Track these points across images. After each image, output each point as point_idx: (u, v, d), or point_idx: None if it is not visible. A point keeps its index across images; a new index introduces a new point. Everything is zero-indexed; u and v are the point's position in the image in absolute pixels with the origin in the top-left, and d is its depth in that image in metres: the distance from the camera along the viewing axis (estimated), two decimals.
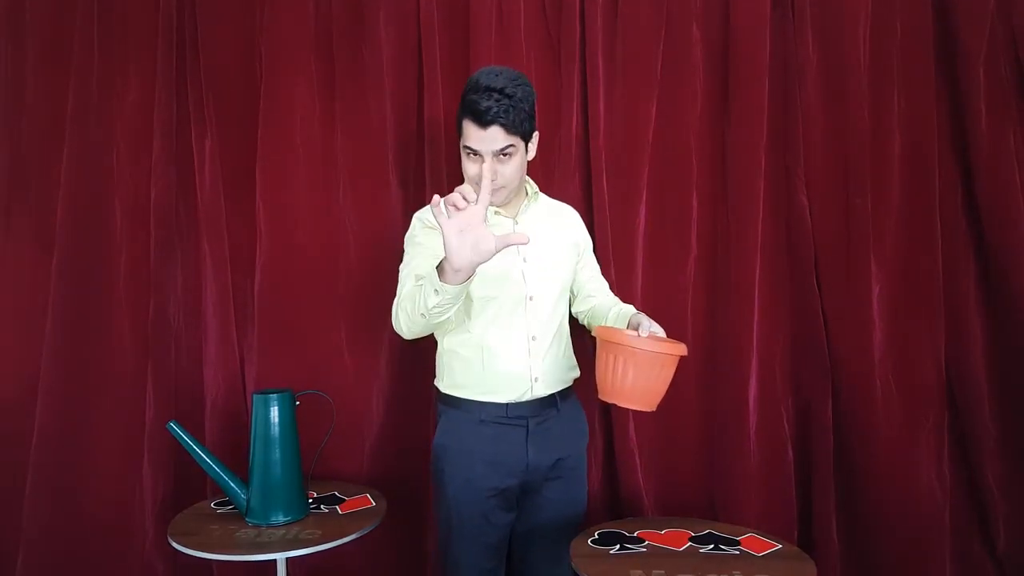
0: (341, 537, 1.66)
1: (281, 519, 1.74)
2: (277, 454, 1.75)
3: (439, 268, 1.42)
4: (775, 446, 2.06)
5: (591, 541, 1.62)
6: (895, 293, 2.03)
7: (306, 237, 2.13)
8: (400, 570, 2.15)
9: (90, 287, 2.15)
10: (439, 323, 1.54)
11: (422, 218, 1.74)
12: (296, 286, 2.13)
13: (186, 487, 2.12)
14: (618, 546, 1.59)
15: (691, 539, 1.64)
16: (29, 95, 2.19)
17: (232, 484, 1.78)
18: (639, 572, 1.46)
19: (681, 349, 1.53)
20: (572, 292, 1.86)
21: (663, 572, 1.46)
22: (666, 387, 1.53)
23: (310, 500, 1.86)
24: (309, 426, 1.88)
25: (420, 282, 1.52)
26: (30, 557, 2.11)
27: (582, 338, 1.88)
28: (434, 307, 1.45)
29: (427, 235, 1.70)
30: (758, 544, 1.62)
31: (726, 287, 2.06)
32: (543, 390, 1.71)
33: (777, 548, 1.60)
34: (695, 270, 2.09)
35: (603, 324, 1.78)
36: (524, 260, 1.69)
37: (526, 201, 1.75)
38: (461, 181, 1.84)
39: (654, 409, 1.53)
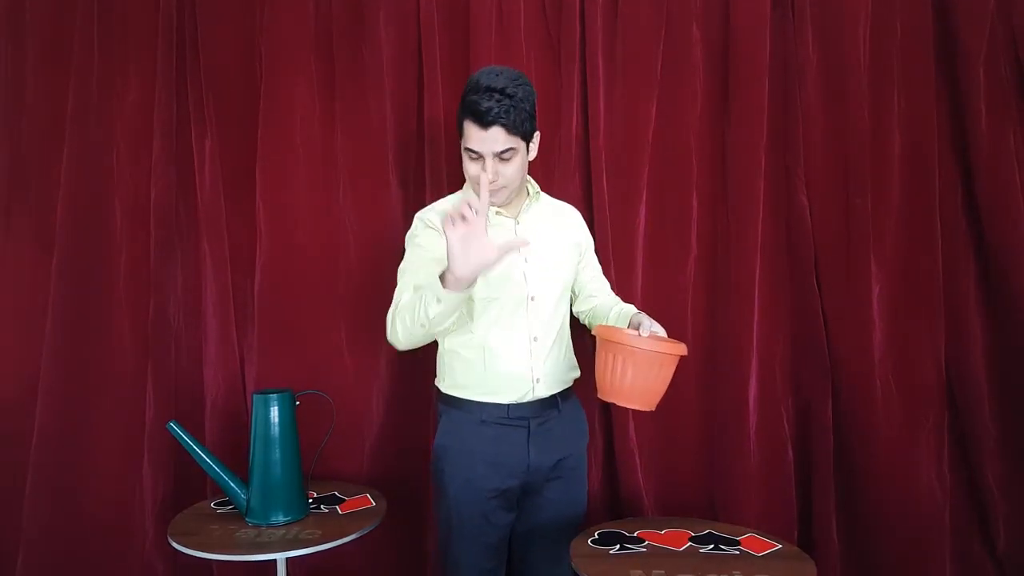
0: (341, 537, 1.66)
1: (281, 519, 1.74)
2: (277, 454, 1.75)
3: (441, 277, 1.45)
4: (775, 446, 2.06)
5: (591, 541, 1.62)
6: (895, 293, 2.03)
7: (306, 237, 2.13)
8: (400, 570, 2.15)
9: (90, 287, 2.15)
10: (439, 331, 1.56)
11: (423, 218, 1.74)
12: (296, 286, 2.13)
13: (186, 487, 2.12)
14: (618, 546, 1.59)
15: (691, 539, 1.64)
16: (29, 95, 2.19)
17: (232, 484, 1.78)
18: (639, 572, 1.46)
19: (681, 349, 1.53)
20: (573, 292, 1.86)
21: (663, 572, 1.46)
22: (665, 387, 1.53)
23: (310, 500, 1.86)
24: (309, 426, 1.88)
25: (419, 293, 1.53)
26: (30, 557, 2.11)
27: (582, 338, 1.88)
28: (435, 316, 1.48)
29: (428, 235, 1.70)
30: (758, 544, 1.62)
31: (726, 287, 2.06)
32: (544, 391, 1.71)
33: (777, 548, 1.60)
34: (695, 270, 2.09)
35: (603, 324, 1.78)
36: (525, 260, 1.69)
37: (527, 201, 1.75)
38: (461, 181, 1.84)
39: (653, 409, 1.54)
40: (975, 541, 2.04)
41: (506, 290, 1.67)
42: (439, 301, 1.45)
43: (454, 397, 1.74)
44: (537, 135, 1.67)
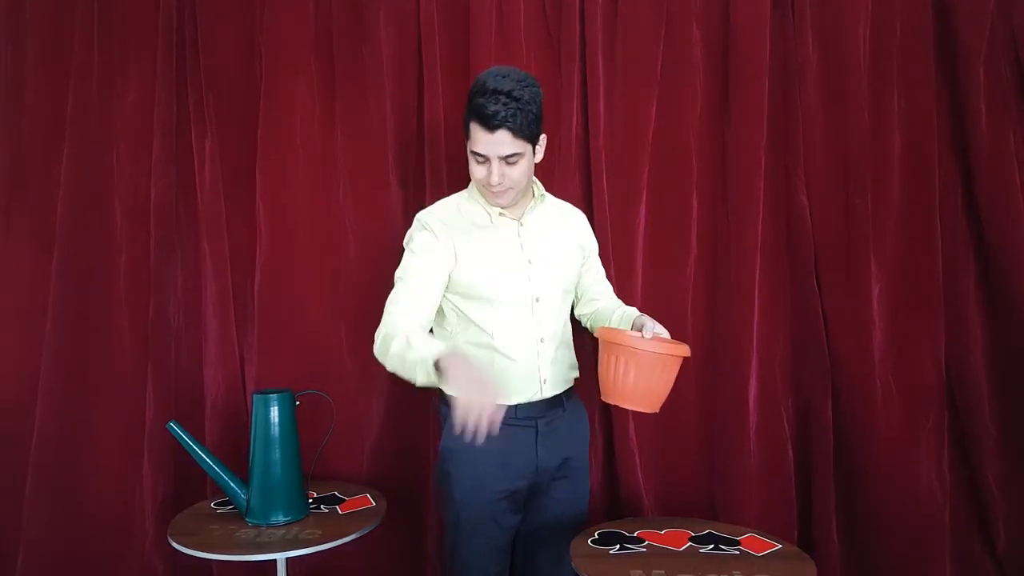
0: (341, 537, 1.67)
1: (281, 519, 1.74)
2: (277, 454, 1.75)
3: (437, 363, 1.37)
4: (775, 446, 2.06)
5: (591, 541, 1.62)
6: (895, 293, 2.03)
7: (306, 237, 2.13)
8: (400, 570, 2.15)
9: (90, 287, 2.15)
10: None
11: (422, 220, 1.73)
12: (296, 286, 2.13)
13: (186, 487, 2.12)
14: (618, 546, 1.59)
15: (691, 539, 1.64)
16: (29, 95, 2.19)
17: (232, 484, 1.78)
18: (639, 572, 1.46)
19: (683, 350, 1.52)
20: (576, 295, 1.86)
21: (663, 572, 1.46)
22: (669, 388, 1.53)
23: (310, 500, 1.86)
24: (309, 426, 1.88)
25: (411, 352, 1.45)
26: (30, 557, 2.11)
27: (581, 336, 1.88)
28: (421, 383, 1.44)
29: (422, 239, 1.68)
30: (758, 544, 1.62)
31: (726, 287, 2.06)
32: (551, 391, 1.72)
33: (777, 548, 1.60)
34: (695, 270, 2.09)
35: (606, 326, 1.78)
36: (529, 262, 1.69)
37: (532, 203, 1.74)
38: (461, 181, 1.85)
39: (657, 411, 1.53)
40: (975, 541, 2.04)
41: (511, 292, 1.67)
42: (428, 376, 1.40)
43: None
44: (544, 137, 1.66)
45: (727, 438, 2.05)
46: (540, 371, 1.70)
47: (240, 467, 1.82)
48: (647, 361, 1.48)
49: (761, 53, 2.03)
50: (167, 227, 2.15)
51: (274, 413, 1.76)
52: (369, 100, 2.12)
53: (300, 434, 1.81)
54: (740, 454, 2.03)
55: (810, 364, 2.06)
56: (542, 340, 1.70)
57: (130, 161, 2.17)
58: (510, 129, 1.54)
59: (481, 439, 1.31)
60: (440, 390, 1.75)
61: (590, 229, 1.88)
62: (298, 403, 1.81)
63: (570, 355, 1.80)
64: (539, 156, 1.67)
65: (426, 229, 1.70)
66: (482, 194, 1.69)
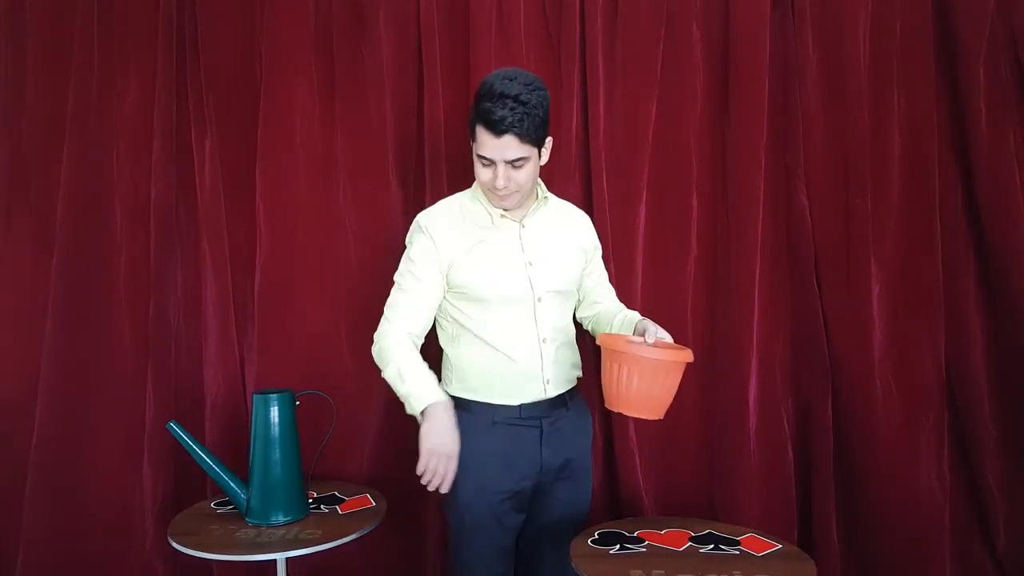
0: (341, 537, 1.67)
1: (281, 519, 1.74)
2: (277, 454, 1.75)
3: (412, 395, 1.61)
4: (775, 446, 2.06)
5: (591, 541, 1.62)
6: (895, 293, 2.03)
7: (306, 237, 2.13)
8: (400, 570, 2.15)
9: (90, 287, 2.15)
10: None
11: (421, 223, 1.73)
12: (296, 286, 2.13)
13: (186, 487, 2.12)
14: (618, 546, 1.59)
15: (691, 539, 1.64)
16: (29, 95, 2.19)
17: (232, 484, 1.78)
18: (639, 572, 1.46)
19: (686, 356, 1.51)
20: (578, 297, 1.86)
21: (663, 572, 1.46)
22: (673, 394, 1.52)
23: (310, 500, 1.86)
24: (309, 426, 1.88)
25: (400, 377, 1.64)
26: (30, 557, 2.11)
27: (582, 336, 1.88)
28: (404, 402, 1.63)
29: (418, 246, 1.70)
30: (758, 544, 1.62)
31: (726, 287, 2.06)
32: (554, 390, 1.72)
33: (777, 548, 1.60)
34: (695, 270, 2.09)
35: (607, 331, 1.78)
36: (530, 264, 1.69)
37: (535, 205, 1.73)
38: (461, 181, 1.85)
39: (662, 417, 1.52)
40: (975, 541, 2.04)
41: (511, 293, 1.67)
42: (412, 412, 1.61)
43: (464, 400, 1.72)
44: (549, 139, 1.66)
45: (727, 438, 2.05)
46: (543, 371, 1.70)
47: (240, 467, 1.82)
48: (650, 368, 1.47)
49: (761, 53, 2.02)
50: (167, 227, 2.15)
51: (274, 413, 1.76)
52: (369, 100, 2.12)
53: (300, 434, 1.81)
54: (740, 454, 2.03)
55: (810, 364, 2.06)
56: (544, 340, 1.70)
57: (130, 161, 2.17)
58: (517, 134, 1.54)
59: (437, 486, 1.56)
60: (444, 391, 1.77)
61: (594, 232, 1.87)
62: (298, 403, 1.81)
63: (573, 355, 1.80)
64: (544, 158, 1.67)
65: (424, 233, 1.70)
66: (487, 196, 1.69)
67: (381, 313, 1.78)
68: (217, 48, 2.14)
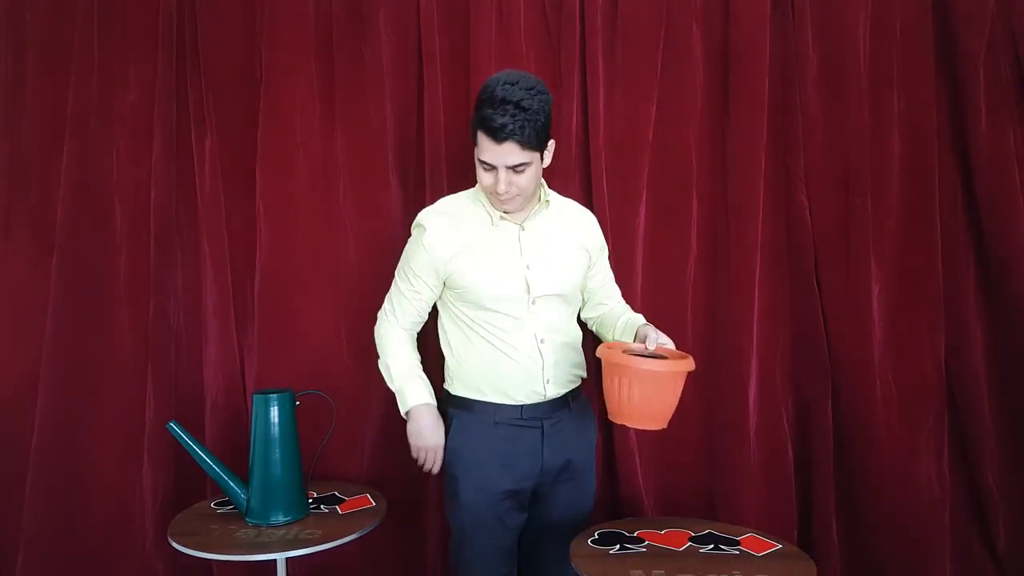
0: (341, 537, 1.67)
1: (281, 519, 1.74)
2: (277, 454, 1.75)
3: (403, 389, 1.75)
4: (775, 446, 2.06)
5: (591, 541, 1.62)
6: (895, 293, 2.03)
7: (306, 237, 2.13)
8: (400, 570, 2.15)
9: (90, 287, 2.15)
10: None
11: (420, 221, 1.75)
12: (296, 286, 2.13)
13: (186, 487, 2.12)
14: (618, 546, 1.59)
15: (691, 539, 1.64)
16: (29, 95, 2.19)
17: (232, 484, 1.78)
18: (639, 572, 1.46)
19: (687, 365, 1.50)
20: (583, 297, 1.85)
21: (663, 572, 1.46)
22: (675, 403, 1.50)
23: (310, 500, 1.86)
24: (309, 426, 1.88)
25: (393, 368, 1.79)
26: (30, 557, 2.11)
27: (588, 337, 1.88)
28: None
29: (417, 243, 1.73)
30: (758, 544, 1.62)
31: (726, 287, 2.06)
32: (555, 391, 1.72)
33: (777, 548, 1.60)
34: (695, 270, 2.09)
35: (611, 334, 1.79)
36: (527, 267, 1.69)
37: (536, 208, 1.73)
38: (461, 181, 1.85)
39: (665, 426, 1.51)
40: (975, 541, 2.04)
41: (507, 295, 1.67)
42: (395, 391, 1.77)
43: (466, 399, 1.74)
44: (552, 143, 1.66)
45: (727, 438, 2.05)
46: (543, 371, 1.70)
47: (240, 467, 1.82)
48: (650, 380, 1.45)
49: (761, 53, 2.02)
50: (167, 227, 2.15)
51: (274, 413, 1.76)
52: (369, 100, 2.12)
53: (300, 434, 1.81)
54: (740, 454, 2.03)
55: (810, 364, 2.06)
56: (543, 341, 1.70)
57: (130, 161, 2.17)
58: (518, 141, 1.54)
59: (429, 468, 1.74)
60: (446, 390, 1.81)
61: (599, 232, 1.86)
62: (298, 403, 1.81)
63: (576, 355, 1.79)
64: (547, 161, 1.67)
65: (422, 232, 1.72)
66: (489, 199, 1.69)
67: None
68: (217, 48, 2.14)
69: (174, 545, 1.66)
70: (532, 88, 1.56)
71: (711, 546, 1.60)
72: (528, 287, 1.68)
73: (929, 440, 2.01)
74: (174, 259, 2.17)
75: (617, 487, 2.07)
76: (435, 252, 1.70)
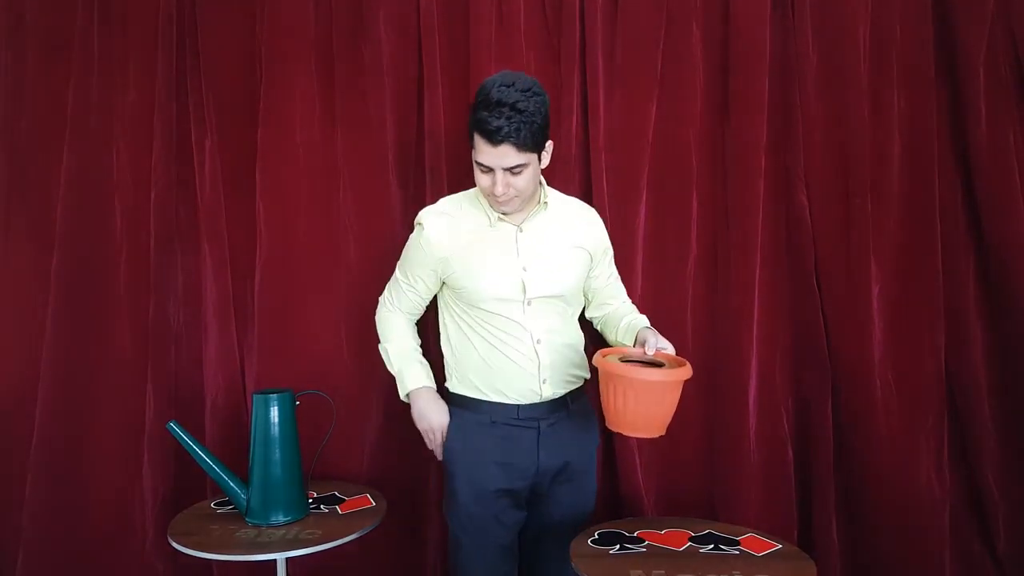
0: (341, 537, 1.67)
1: (281, 519, 1.74)
2: (277, 454, 1.75)
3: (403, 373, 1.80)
4: (775, 446, 2.06)
5: (591, 541, 1.62)
6: (895, 293, 2.03)
7: (306, 237, 2.13)
8: (400, 570, 2.15)
9: (90, 287, 2.15)
10: None
11: (419, 219, 1.76)
12: (296, 286, 2.13)
13: (186, 487, 2.12)
14: (618, 546, 1.59)
15: (691, 539, 1.64)
16: (29, 95, 2.19)
17: (232, 484, 1.78)
18: (639, 572, 1.46)
19: (683, 373, 1.48)
20: (586, 297, 1.85)
21: (663, 572, 1.47)
22: (672, 411, 1.49)
23: (310, 500, 1.86)
24: (309, 426, 1.88)
25: (393, 353, 1.84)
26: (30, 557, 2.11)
27: (591, 338, 1.88)
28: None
29: (415, 242, 1.74)
30: (758, 544, 1.62)
31: (726, 287, 2.06)
32: (552, 392, 1.71)
33: (777, 548, 1.60)
34: (695, 270, 2.09)
35: (614, 335, 1.78)
36: (524, 269, 1.69)
37: (535, 209, 1.72)
38: (461, 181, 1.85)
39: (663, 433, 1.50)
40: (975, 541, 2.04)
41: (503, 296, 1.67)
42: (395, 375, 1.81)
43: (465, 397, 1.75)
44: (550, 144, 1.66)
45: (727, 438, 2.05)
46: (540, 372, 1.70)
47: (240, 467, 1.82)
48: (644, 389, 1.44)
49: (761, 53, 2.02)
50: (167, 227, 2.15)
51: (274, 413, 1.76)
52: (369, 100, 2.12)
53: (300, 434, 1.81)
54: (740, 454, 2.03)
55: (810, 364, 2.06)
56: (539, 342, 1.69)
57: (130, 161, 2.17)
58: (514, 143, 1.53)
59: (438, 453, 1.78)
60: (446, 388, 1.82)
61: (601, 231, 1.85)
62: (298, 403, 1.81)
63: (575, 356, 1.78)
64: (545, 162, 1.66)
65: (421, 231, 1.73)
66: (487, 200, 1.69)
67: None
68: (217, 48, 2.14)
69: (174, 545, 1.66)
70: (528, 90, 1.55)
71: (711, 546, 1.60)
72: (524, 288, 1.68)
73: (929, 440, 2.01)
74: (174, 259, 2.17)
75: (617, 487, 2.07)
76: (433, 251, 1.71)
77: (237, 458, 1.90)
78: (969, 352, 2.01)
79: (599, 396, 1.57)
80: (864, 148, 2.03)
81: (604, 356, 1.55)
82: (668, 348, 1.58)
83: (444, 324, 1.80)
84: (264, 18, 2.13)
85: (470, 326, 1.72)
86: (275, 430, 1.76)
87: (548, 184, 1.80)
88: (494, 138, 1.53)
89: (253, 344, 2.14)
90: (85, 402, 2.14)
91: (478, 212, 1.72)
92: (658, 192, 2.09)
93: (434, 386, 1.80)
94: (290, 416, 1.78)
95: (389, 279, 1.89)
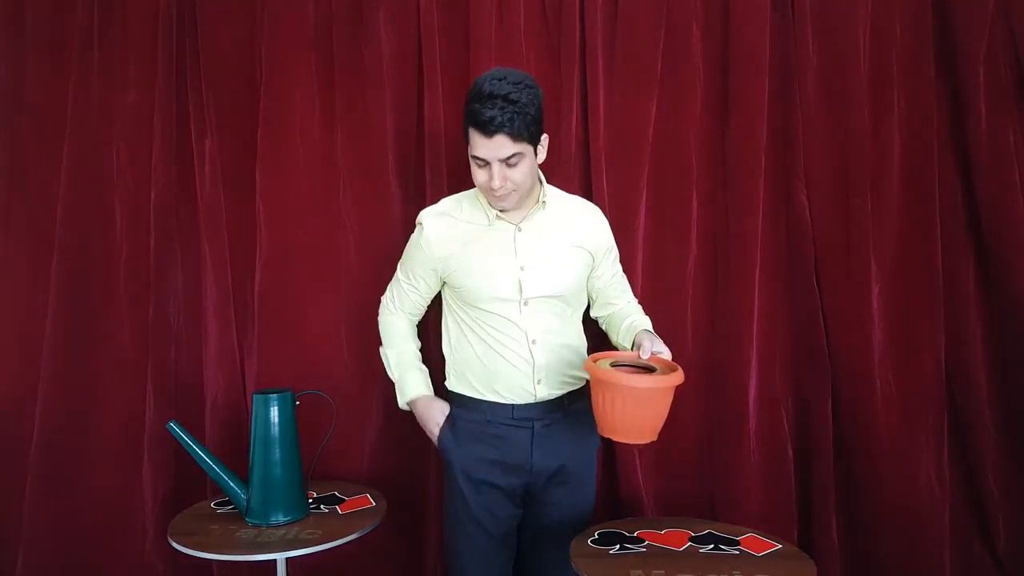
0: (341, 537, 1.67)
1: (281, 519, 1.74)
2: (277, 454, 1.75)
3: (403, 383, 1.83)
4: (775, 446, 2.06)
5: (591, 541, 1.62)
6: (895, 293, 2.03)
7: (306, 237, 2.13)
8: (400, 570, 2.15)
9: (90, 287, 2.15)
10: None
11: (419, 219, 1.77)
12: (296, 286, 2.13)
13: (186, 487, 2.12)
14: (618, 546, 1.59)
15: (691, 539, 1.64)
16: (29, 95, 2.19)
17: (232, 484, 1.78)
18: (639, 572, 1.46)
19: (673, 379, 1.46)
20: (590, 297, 1.85)
21: (663, 572, 1.46)
22: (663, 418, 1.48)
23: (310, 500, 1.86)
24: (309, 426, 1.88)
25: (394, 359, 1.86)
26: (30, 557, 2.11)
27: (595, 338, 1.88)
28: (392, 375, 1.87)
29: (415, 242, 1.76)
30: (758, 544, 1.62)
31: (726, 287, 2.06)
32: (547, 392, 1.71)
33: (777, 548, 1.60)
34: (695, 270, 2.09)
35: (616, 336, 1.78)
36: (522, 268, 1.69)
37: (534, 208, 1.72)
38: (461, 181, 1.85)
39: (655, 439, 1.49)
40: (975, 541, 2.04)
41: (500, 295, 1.67)
42: (395, 382, 1.85)
43: (462, 396, 1.75)
44: (545, 138, 1.66)
45: (727, 438, 2.05)
46: (534, 372, 1.69)
47: (240, 467, 1.82)
48: (631, 395, 1.42)
49: (761, 53, 2.02)
50: (167, 227, 2.15)
51: (274, 413, 1.76)
52: (369, 100, 2.12)
53: (300, 434, 1.81)
54: (740, 454, 2.03)
55: (810, 364, 2.06)
56: (534, 342, 1.69)
57: (130, 161, 2.17)
58: (508, 133, 1.53)
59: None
60: (445, 386, 1.83)
61: (603, 230, 1.82)
62: (298, 403, 1.81)
63: (573, 357, 1.77)
64: (541, 157, 1.66)
65: (421, 231, 1.74)
66: (486, 197, 1.68)
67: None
68: (217, 48, 2.14)
69: (174, 545, 1.66)
70: (520, 82, 1.55)
71: (711, 546, 1.60)
72: (520, 288, 1.68)
73: (929, 440, 2.01)
74: (174, 259, 2.17)
75: (617, 487, 2.07)
76: (432, 251, 1.72)
77: (237, 458, 1.90)
78: (969, 352, 2.01)
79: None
80: (864, 148, 2.03)
81: (595, 361, 1.54)
82: (664, 352, 1.57)
83: (446, 324, 1.81)
84: (264, 18, 2.13)
85: (469, 326, 1.73)
86: (275, 430, 1.76)
87: (548, 183, 1.79)
88: (488, 128, 1.53)
89: (253, 344, 2.14)
90: (85, 402, 2.14)
91: (477, 212, 1.72)
92: (658, 192, 2.09)
93: (432, 392, 1.83)
94: (290, 416, 1.78)
95: (389, 279, 1.89)
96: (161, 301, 2.15)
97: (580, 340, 1.82)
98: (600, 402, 1.47)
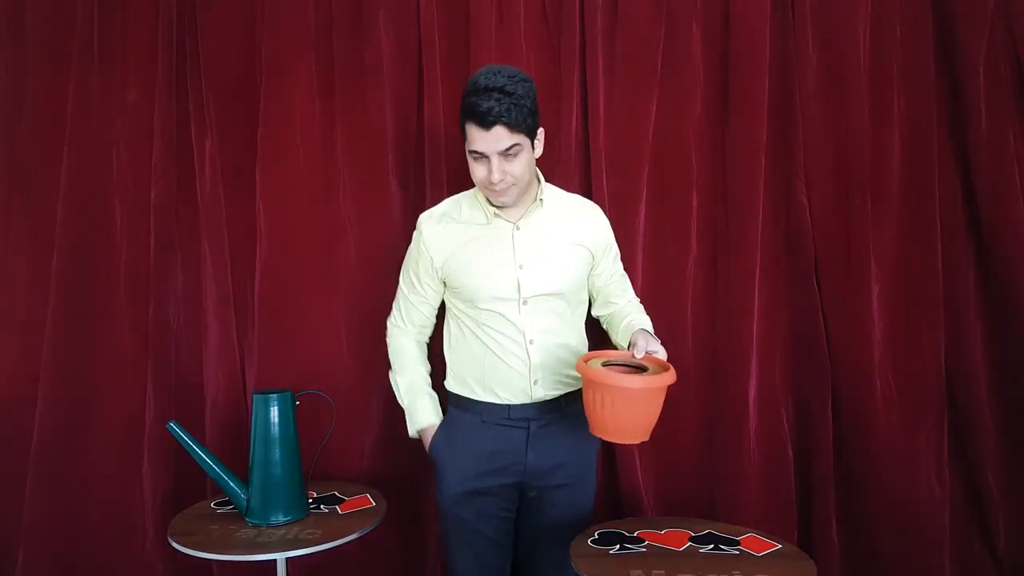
0: (341, 537, 1.67)
1: (281, 519, 1.74)
2: (277, 454, 1.75)
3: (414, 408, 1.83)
4: (775, 446, 2.06)
5: (591, 541, 1.62)
6: (895, 293, 2.03)
7: (306, 237, 2.13)
8: (400, 570, 2.15)
9: (90, 287, 2.15)
10: None
11: (420, 224, 1.77)
12: (296, 286, 2.13)
13: (186, 487, 2.12)
14: (618, 546, 1.59)
15: (691, 539, 1.64)
16: (29, 95, 2.19)
17: (232, 484, 1.78)
18: (639, 572, 1.46)
19: (663, 379, 1.45)
20: (591, 295, 1.85)
21: (663, 572, 1.46)
22: (655, 418, 1.48)
23: (310, 500, 1.86)
24: (309, 426, 1.88)
25: (403, 383, 1.86)
26: (30, 557, 2.11)
27: (596, 338, 1.88)
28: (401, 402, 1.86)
29: (415, 246, 1.77)
30: (758, 544, 1.62)
31: (726, 287, 2.06)
32: (544, 393, 1.71)
33: (777, 548, 1.60)
34: (695, 270, 2.09)
35: (615, 335, 1.78)
36: (520, 267, 1.69)
37: (532, 206, 1.71)
38: (461, 181, 1.85)
39: (647, 439, 1.49)
40: (975, 541, 2.04)
41: (498, 294, 1.67)
42: (404, 409, 1.84)
43: (460, 396, 1.75)
44: (541, 131, 1.66)
45: (727, 438, 2.05)
46: (531, 372, 1.69)
47: (240, 467, 1.82)
48: (622, 396, 1.42)
49: (761, 53, 2.02)
50: (167, 227, 2.15)
51: (274, 413, 1.76)
52: (369, 100, 2.12)
53: (300, 434, 1.81)
54: (740, 454, 2.03)
55: (810, 364, 2.06)
56: (531, 342, 1.69)
57: (130, 161, 2.17)
58: (506, 124, 1.53)
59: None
60: (444, 386, 1.82)
61: (604, 229, 1.82)
62: (298, 403, 1.81)
63: (573, 358, 1.75)
64: (538, 151, 1.66)
65: (419, 235, 1.75)
66: (485, 194, 1.68)
67: (381, 313, 1.88)
68: (217, 48, 2.14)
69: (174, 545, 1.66)
70: (514, 76, 1.56)
71: (711, 546, 1.60)
72: (519, 287, 1.68)
73: (929, 440, 2.01)
74: (174, 259, 2.17)
75: (617, 487, 2.07)
76: (431, 254, 1.72)
77: (237, 458, 1.90)
78: (969, 352, 2.02)
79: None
80: (864, 148, 2.03)
81: (587, 361, 1.54)
82: (660, 352, 1.55)
83: (448, 326, 1.81)
84: (264, 18, 2.13)
85: (468, 327, 1.73)
86: (275, 430, 1.76)
87: (548, 183, 1.79)
88: (485, 120, 1.53)
89: (253, 344, 2.14)
90: (85, 402, 2.14)
91: (476, 211, 1.72)
92: (658, 192, 2.09)
93: (440, 419, 1.81)
94: (290, 416, 1.78)
95: (389, 279, 1.89)
96: (161, 301, 2.15)
97: (580, 341, 1.81)
98: (591, 401, 1.47)
